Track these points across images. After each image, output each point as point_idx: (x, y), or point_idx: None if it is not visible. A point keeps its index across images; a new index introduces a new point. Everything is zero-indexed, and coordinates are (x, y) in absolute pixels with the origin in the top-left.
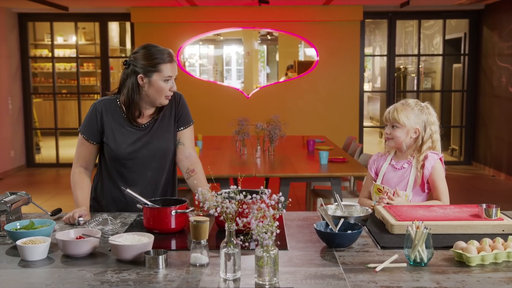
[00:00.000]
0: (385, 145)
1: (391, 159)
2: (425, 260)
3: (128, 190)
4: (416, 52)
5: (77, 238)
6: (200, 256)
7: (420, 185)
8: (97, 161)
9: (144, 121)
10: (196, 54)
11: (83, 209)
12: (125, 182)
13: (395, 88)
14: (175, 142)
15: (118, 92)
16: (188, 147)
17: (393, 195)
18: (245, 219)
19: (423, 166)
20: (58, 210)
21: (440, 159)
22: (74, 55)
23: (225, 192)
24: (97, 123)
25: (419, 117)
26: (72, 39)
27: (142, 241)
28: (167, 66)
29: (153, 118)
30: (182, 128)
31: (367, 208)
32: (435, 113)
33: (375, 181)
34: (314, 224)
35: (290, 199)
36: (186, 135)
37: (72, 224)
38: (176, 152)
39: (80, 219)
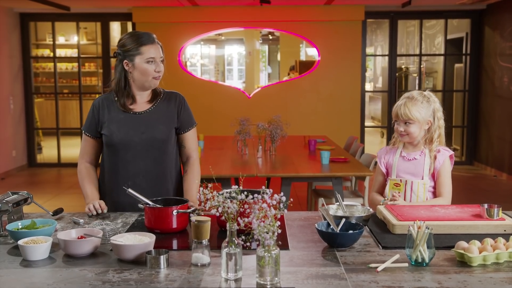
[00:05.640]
0: (392, 140)
1: (401, 152)
2: (427, 260)
3: (130, 190)
4: (417, 52)
5: (78, 238)
6: (201, 256)
7: (432, 174)
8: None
9: (138, 108)
10: (197, 54)
11: (102, 202)
12: (118, 172)
13: (396, 88)
14: (172, 138)
15: None
16: (189, 149)
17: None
18: (246, 219)
19: (435, 158)
20: (60, 210)
21: (451, 156)
22: (76, 55)
23: (227, 192)
24: (95, 117)
25: (428, 109)
26: (74, 39)
27: (144, 241)
28: (147, 47)
29: (150, 108)
30: (184, 131)
31: (368, 208)
32: (437, 99)
33: (386, 176)
34: (316, 224)
35: (291, 199)
36: (188, 138)
37: (91, 216)
38: (180, 154)
39: (81, 220)
